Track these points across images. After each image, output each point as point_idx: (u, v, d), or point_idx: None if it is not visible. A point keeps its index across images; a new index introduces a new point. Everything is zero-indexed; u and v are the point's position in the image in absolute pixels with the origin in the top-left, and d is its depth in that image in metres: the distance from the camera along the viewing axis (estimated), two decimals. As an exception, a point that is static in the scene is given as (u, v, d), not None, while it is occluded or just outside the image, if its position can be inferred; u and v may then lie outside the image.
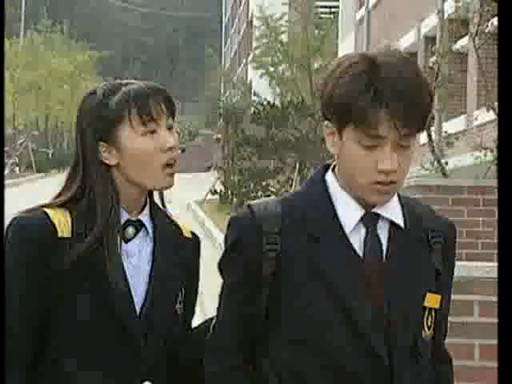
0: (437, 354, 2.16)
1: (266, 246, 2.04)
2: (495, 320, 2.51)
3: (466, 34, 11.06)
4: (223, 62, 62.32)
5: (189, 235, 2.36)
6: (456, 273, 2.19)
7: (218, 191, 21.98)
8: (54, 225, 2.21)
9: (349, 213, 2.06)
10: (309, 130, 20.38)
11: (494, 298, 3.71)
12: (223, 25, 70.97)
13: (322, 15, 33.46)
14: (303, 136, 20.35)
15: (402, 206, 2.10)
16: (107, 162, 2.25)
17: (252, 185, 20.01)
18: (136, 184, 2.25)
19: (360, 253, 2.05)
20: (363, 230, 2.06)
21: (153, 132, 2.23)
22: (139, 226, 2.27)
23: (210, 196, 22.73)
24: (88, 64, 54.84)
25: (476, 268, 3.80)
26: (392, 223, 2.07)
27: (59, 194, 2.29)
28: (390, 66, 2.00)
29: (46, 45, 52.70)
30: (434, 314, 2.10)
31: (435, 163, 9.45)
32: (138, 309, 2.22)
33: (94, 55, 55.33)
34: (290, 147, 20.33)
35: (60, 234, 2.21)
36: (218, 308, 2.15)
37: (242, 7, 53.94)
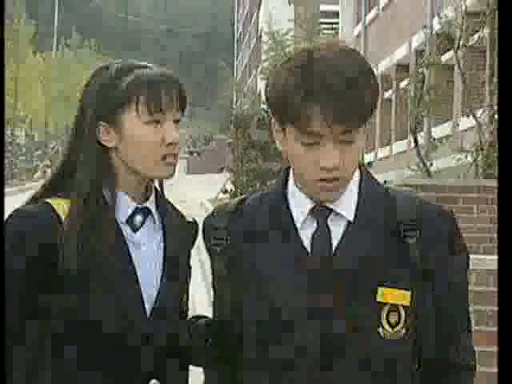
0: (429, 359, 1.85)
1: (213, 240, 1.89)
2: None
3: (452, 47, 11.04)
4: (235, 74, 62.35)
5: (190, 220, 2.10)
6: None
7: (229, 190, 22.05)
8: (59, 216, 1.93)
9: (299, 207, 1.85)
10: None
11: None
12: (235, 40, 70.95)
13: (325, 31, 33.46)
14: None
15: (361, 199, 1.84)
16: (105, 143, 1.97)
17: (258, 184, 20.02)
18: (133, 170, 1.97)
19: (308, 247, 1.83)
20: (315, 224, 1.84)
21: (158, 122, 1.95)
22: (146, 213, 1.99)
23: (221, 195, 22.79)
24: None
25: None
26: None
27: (52, 175, 2.01)
28: (325, 60, 1.77)
29: (76, 59, 52.94)
30: (403, 311, 1.80)
31: (421, 165, 9.45)
32: (148, 306, 1.95)
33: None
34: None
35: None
36: None
37: (252, 24, 54.00)
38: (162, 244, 1.99)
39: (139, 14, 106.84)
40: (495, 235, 5.48)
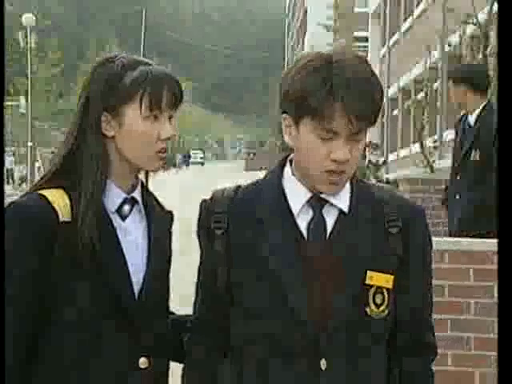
0: (408, 339, 1.76)
1: (213, 224, 1.73)
2: None
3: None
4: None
5: (167, 210, 1.92)
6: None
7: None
8: (54, 209, 1.72)
9: (296, 196, 1.72)
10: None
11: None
12: (285, 61, 70.89)
13: (358, 53, 33.33)
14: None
15: (354, 194, 1.75)
16: (104, 131, 1.78)
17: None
18: (127, 160, 1.79)
19: (305, 233, 1.71)
20: (311, 213, 1.72)
21: (155, 117, 1.77)
22: (133, 202, 1.81)
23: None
24: (185, 91, 55.28)
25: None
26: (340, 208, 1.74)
27: (54, 165, 1.79)
28: (344, 62, 1.65)
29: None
30: (386, 293, 1.71)
31: (425, 162, 9.45)
32: (136, 288, 1.77)
33: (192, 86, 55.82)
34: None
35: (61, 218, 1.72)
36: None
37: (299, 47, 53.99)
38: (146, 232, 1.82)
39: (211, 42, 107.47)
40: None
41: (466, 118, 4.92)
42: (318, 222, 1.71)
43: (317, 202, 1.72)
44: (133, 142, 1.77)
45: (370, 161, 12.42)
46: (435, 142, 10.89)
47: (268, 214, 1.72)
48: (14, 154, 34.32)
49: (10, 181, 31.05)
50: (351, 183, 1.76)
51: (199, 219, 1.77)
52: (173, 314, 1.90)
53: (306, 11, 47.39)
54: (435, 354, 1.81)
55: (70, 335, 1.73)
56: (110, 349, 1.74)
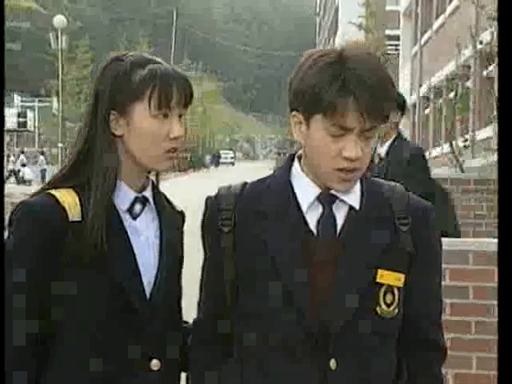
0: (414, 338, 1.72)
1: (220, 221, 1.69)
2: None
3: (493, 62, 10.75)
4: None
5: (179, 210, 1.89)
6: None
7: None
8: (63, 208, 1.70)
9: (305, 193, 1.68)
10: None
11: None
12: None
13: (389, 51, 33.19)
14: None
15: (364, 191, 1.71)
16: (113, 130, 1.75)
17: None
18: (136, 161, 1.76)
19: (314, 230, 1.67)
20: (320, 209, 1.68)
21: (165, 116, 1.74)
22: (145, 201, 1.79)
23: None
24: (216, 91, 55.68)
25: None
26: (350, 205, 1.69)
27: (65, 166, 1.78)
28: (356, 57, 1.61)
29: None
30: (397, 292, 1.67)
31: (455, 162, 9.35)
32: (148, 289, 1.74)
33: (222, 86, 56.09)
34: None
35: (71, 218, 1.70)
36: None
37: (330, 46, 53.70)
38: (157, 232, 1.79)
39: (242, 42, 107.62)
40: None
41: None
42: (327, 218, 1.67)
43: (327, 199, 1.69)
44: (141, 141, 1.74)
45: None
46: (465, 141, 10.74)
47: (276, 210, 1.68)
48: (43, 154, 34.68)
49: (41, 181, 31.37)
50: (361, 180, 1.72)
51: (205, 216, 1.74)
52: (186, 322, 1.86)
53: (337, 10, 47.19)
54: (444, 355, 1.77)
55: (81, 336, 1.70)
56: (121, 350, 1.71)
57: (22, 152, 35.16)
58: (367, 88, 1.59)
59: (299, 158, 1.73)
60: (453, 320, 3.35)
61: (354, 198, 1.70)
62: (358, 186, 1.71)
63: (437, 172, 11.95)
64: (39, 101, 46.30)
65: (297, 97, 1.66)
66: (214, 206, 1.72)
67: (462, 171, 9.19)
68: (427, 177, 4.70)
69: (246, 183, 1.74)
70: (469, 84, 14.85)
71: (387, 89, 1.63)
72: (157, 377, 1.75)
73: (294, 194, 1.69)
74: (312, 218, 1.68)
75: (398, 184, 1.81)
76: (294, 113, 1.68)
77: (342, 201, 1.69)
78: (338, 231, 1.67)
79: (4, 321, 1.69)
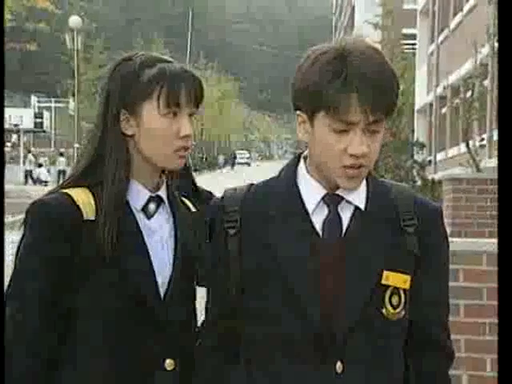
0: (421, 341, 1.70)
1: (226, 223, 1.68)
2: None
3: None
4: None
5: (194, 209, 1.88)
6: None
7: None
8: (78, 207, 1.71)
9: (311, 194, 1.68)
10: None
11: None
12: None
13: (405, 50, 33.11)
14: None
15: (370, 192, 1.70)
16: (124, 130, 1.76)
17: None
18: (147, 160, 1.77)
19: (320, 231, 1.66)
20: (326, 210, 1.68)
21: (174, 114, 1.75)
22: (159, 201, 1.79)
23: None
24: (232, 91, 55.76)
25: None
26: (356, 205, 1.68)
27: (78, 161, 1.80)
28: (358, 53, 1.61)
29: (203, 78, 53.82)
30: (403, 294, 1.66)
31: (471, 161, 9.30)
32: (162, 289, 1.74)
33: (238, 85, 56.19)
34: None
35: (85, 217, 1.71)
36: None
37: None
38: (172, 232, 1.79)
39: (257, 42, 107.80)
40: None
41: None
42: (333, 219, 1.67)
43: (332, 199, 1.68)
44: (151, 140, 1.75)
45: (415, 160, 12.28)
46: (482, 140, 10.69)
47: (282, 212, 1.67)
48: (61, 155, 34.77)
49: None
50: (367, 180, 1.71)
51: (210, 219, 1.73)
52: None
53: (353, 9, 47.11)
54: (451, 358, 1.76)
55: (95, 335, 1.71)
56: (136, 349, 1.72)
57: (29, 152, 35.20)
58: (369, 81, 1.59)
59: (305, 159, 1.72)
60: (466, 321, 3.32)
61: (359, 199, 1.69)
62: (363, 187, 1.70)
63: (453, 172, 11.91)
64: (56, 101, 46.54)
65: (300, 96, 1.65)
66: (219, 209, 1.71)
67: (479, 171, 9.15)
68: None
69: (251, 185, 1.74)
70: (486, 83, 14.75)
71: (389, 81, 1.62)
72: (171, 376, 1.75)
73: (299, 195, 1.69)
74: (318, 220, 1.67)
75: (405, 185, 1.81)
76: (297, 112, 1.67)
77: (347, 202, 1.69)
78: (343, 232, 1.67)
79: (4, 321, 1.68)
